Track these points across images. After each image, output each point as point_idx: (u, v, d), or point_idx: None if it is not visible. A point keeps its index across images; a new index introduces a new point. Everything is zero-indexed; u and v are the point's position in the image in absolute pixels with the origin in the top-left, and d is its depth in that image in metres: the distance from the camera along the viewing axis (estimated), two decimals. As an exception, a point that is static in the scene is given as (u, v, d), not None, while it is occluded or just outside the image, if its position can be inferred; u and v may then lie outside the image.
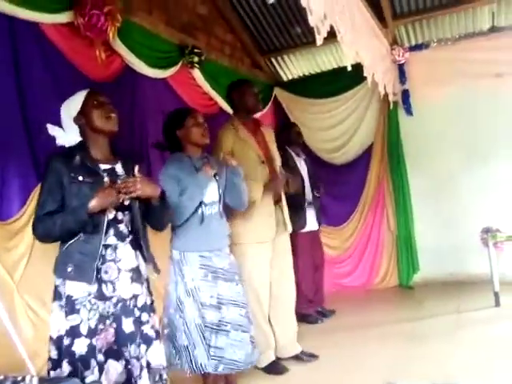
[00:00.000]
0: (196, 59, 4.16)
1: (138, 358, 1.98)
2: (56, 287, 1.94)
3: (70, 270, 1.89)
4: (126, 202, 1.99)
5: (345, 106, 5.67)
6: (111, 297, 1.95)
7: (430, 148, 5.29)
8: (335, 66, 5.83)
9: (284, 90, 5.97)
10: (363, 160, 5.61)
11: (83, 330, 1.87)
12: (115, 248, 1.97)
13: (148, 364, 2.01)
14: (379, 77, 4.01)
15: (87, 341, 1.86)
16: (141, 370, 1.98)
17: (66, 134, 2.03)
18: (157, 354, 2.06)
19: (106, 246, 1.94)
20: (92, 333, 1.87)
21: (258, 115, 3.51)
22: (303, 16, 2.46)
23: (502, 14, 5.01)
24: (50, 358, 1.90)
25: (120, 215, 1.99)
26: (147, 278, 2.12)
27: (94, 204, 1.84)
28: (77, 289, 1.89)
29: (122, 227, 2.00)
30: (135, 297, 2.02)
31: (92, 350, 1.86)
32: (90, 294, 1.90)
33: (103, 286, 1.93)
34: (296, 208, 4.01)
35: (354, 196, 5.61)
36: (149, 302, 2.09)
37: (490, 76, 4.93)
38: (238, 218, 3.00)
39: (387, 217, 5.51)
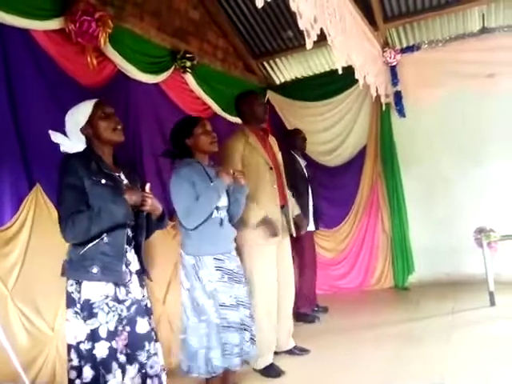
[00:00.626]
0: (188, 64, 4.17)
1: (157, 354, 2.05)
2: (69, 294, 1.93)
3: (95, 271, 1.90)
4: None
5: (337, 108, 5.69)
6: (124, 300, 1.99)
7: (423, 149, 5.32)
8: (327, 69, 5.84)
9: (277, 94, 5.98)
10: (357, 162, 5.63)
11: (102, 333, 1.88)
12: (125, 251, 2.01)
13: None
14: (371, 79, 4.03)
15: (107, 344, 1.88)
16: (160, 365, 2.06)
17: (71, 142, 2.06)
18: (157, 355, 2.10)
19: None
20: (111, 335, 1.89)
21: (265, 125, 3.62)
22: (294, 19, 2.46)
23: (492, 15, 5.05)
24: (72, 367, 1.90)
25: (128, 222, 2.03)
26: (145, 281, 2.18)
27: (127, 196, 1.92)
28: (94, 292, 1.90)
29: (129, 232, 2.05)
30: (143, 298, 2.09)
31: (113, 352, 1.88)
32: (107, 297, 1.92)
33: (117, 289, 1.97)
34: (302, 208, 4.11)
35: (348, 198, 5.62)
36: (149, 305, 2.14)
37: (481, 77, 4.96)
38: (248, 221, 3.08)
39: (381, 218, 5.53)
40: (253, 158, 3.16)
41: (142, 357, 1.99)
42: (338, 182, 5.59)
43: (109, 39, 3.27)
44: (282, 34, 5.45)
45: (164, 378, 2.11)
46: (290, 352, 3.44)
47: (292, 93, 5.92)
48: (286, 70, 6.06)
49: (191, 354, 2.49)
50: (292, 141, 4.68)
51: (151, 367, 2.02)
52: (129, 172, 2.15)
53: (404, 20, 5.20)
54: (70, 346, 1.91)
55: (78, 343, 1.88)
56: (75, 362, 1.89)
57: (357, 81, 3.67)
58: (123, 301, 1.98)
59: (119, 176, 2.08)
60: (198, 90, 4.46)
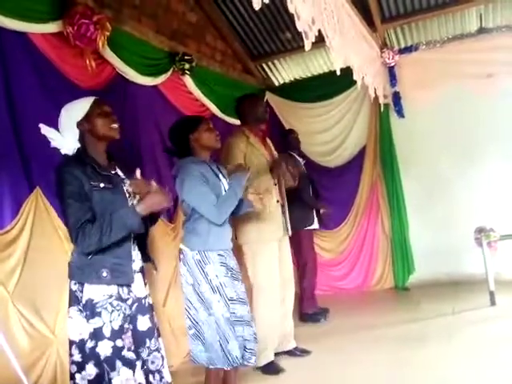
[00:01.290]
0: (187, 66, 4.17)
1: (158, 350, 2.07)
2: (73, 292, 1.94)
3: (105, 274, 1.91)
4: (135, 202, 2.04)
5: (336, 109, 5.70)
6: (127, 299, 2.00)
7: (423, 149, 5.32)
8: (326, 70, 5.85)
9: (275, 95, 5.99)
10: (356, 163, 5.64)
11: (106, 332, 1.89)
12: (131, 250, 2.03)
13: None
14: (369, 80, 4.03)
15: (111, 343, 1.89)
16: (162, 360, 2.09)
17: (63, 138, 2.04)
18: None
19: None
20: (116, 334, 1.90)
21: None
22: (292, 21, 2.46)
23: (490, 15, 5.06)
24: (73, 362, 1.91)
25: (138, 230, 2.04)
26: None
27: (142, 207, 1.92)
28: (97, 292, 1.91)
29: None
30: (146, 296, 2.11)
31: (117, 351, 1.89)
32: (111, 297, 1.93)
33: (119, 288, 1.98)
34: (303, 205, 4.17)
35: (348, 199, 5.63)
36: (151, 302, 2.16)
37: (479, 77, 4.97)
38: (248, 218, 3.12)
39: (381, 219, 5.54)
40: (255, 158, 3.22)
41: (144, 353, 2.03)
42: (337, 183, 5.59)
43: (107, 42, 3.27)
44: (280, 35, 5.45)
45: (166, 372, 2.12)
46: (291, 353, 3.45)
47: (291, 94, 5.93)
48: (285, 71, 6.07)
49: (208, 345, 2.51)
50: (286, 142, 4.69)
51: (152, 362, 2.05)
52: (121, 166, 2.14)
53: (402, 21, 5.21)
54: (72, 342, 1.92)
55: (81, 340, 1.89)
56: (77, 358, 1.90)
57: (355, 82, 3.67)
58: (126, 299, 2.00)
59: (116, 173, 2.07)
60: (197, 92, 4.46)
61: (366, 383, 2.88)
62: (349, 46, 3.41)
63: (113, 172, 2.06)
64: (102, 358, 1.87)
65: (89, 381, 1.87)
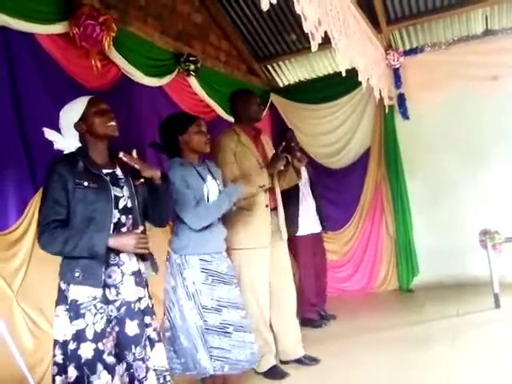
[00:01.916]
0: (192, 67, 4.18)
1: (143, 360, 2.00)
2: (62, 291, 1.93)
3: (77, 274, 1.89)
4: (129, 205, 2.02)
5: (341, 110, 5.69)
6: (114, 300, 1.96)
7: (427, 151, 5.30)
8: (331, 72, 5.85)
9: (280, 96, 5.99)
10: (361, 164, 5.62)
11: (89, 334, 1.87)
12: (118, 252, 1.98)
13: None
14: (374, 81, 4.03)
15: (93, 345, 1.86)
16: (147, 371, 2.00)
17: (65, 139, 2.04)
18: (160, 356, 2.07)
19: (110, 250, 1.94)
20: (98, 337, 1.87)
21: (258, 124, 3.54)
22: (298, 22, 2.48)
23: (496, 17, 5.05)
24: (55, 363, 1.89)
25: (123, 218, 2.01)
26: (147, 281, 2.15)
27: (113, 242, 1.88)
28: (81, 293, 1.89)
29: (125, 230, 2.02)
30: (139, 299, 2.04)
31: (98, 353, 1.86)
32: (95, 299, 1.90)
33: (106, 290, 1.95)
34: (290, 212, 3.98)
35: (353, 200, 5.61)
36: (150, 305, 2.11)
37: (485, 79, 4.96)
38: (237, 224, 3.02)
39: (386, 220, 5.52)
40: (245, 158, 3.09)
41: (129, 357, 1.97)
42: (342, 185, 5.58)
43: (113, 43, 3.29)
44: (285, 36, 5.46)
45: (168, 377, 2.08)
46: (300, 361, 3.30)
47: (295, 95, 5.92)
48: (290, 72, 6.07)
49: (181, 352, 2.45)
50: (281, 140, 4.57)
51: (136, 370, 1.99)
52: (124, 164, 2.10)
53: (407, 22, 5.21)
54: (55, 342, 1.90)
55: (64, 341, 1.87)
56: (58, 359, 1.88)
57: (360, 83, 3.66)
58: (113, 301, 1.96)
59: (113, 172, 2.04)
60: (202, 93, 4.47)
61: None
62: (354, 47, 3.41)
63: (110, 171, 2.03)
64: (82, 360, 1.84)
65: (69, 383, 1.85)
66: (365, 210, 5.59)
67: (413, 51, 5.37)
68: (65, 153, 2.03)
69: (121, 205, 2.00)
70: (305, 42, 5.34)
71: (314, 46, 2.55)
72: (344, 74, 3.06)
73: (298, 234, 4.25)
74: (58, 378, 1.87)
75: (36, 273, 2.70)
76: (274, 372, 3.10)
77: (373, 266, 5.53)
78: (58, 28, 3.01)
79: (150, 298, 2.13)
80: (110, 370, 1.87)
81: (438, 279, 5.14)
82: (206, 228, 2.50)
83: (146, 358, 2.00)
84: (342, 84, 5.23)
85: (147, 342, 2.02)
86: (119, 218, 1.99)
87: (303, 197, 4.42)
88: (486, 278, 4.23)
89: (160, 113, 3.96)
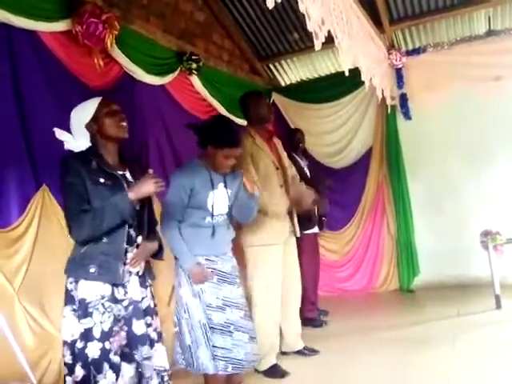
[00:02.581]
0: (194, 66, 4.18)
1: (149, 359, 2.04)
2: (69, 291, 1.94)
3: (92, 270, 1.91)
4: (137, 207, 2.04)
5: (343, 110, 5.69)
6: (122, 300, 1.99)
7: (429, 152, 5.30)
8: (333, 71, 5.85)
9: (282, 96, 5.98)
10: (362, 164, 5.62)
11: (96, 333, 1.89)
12: (126, 251, 2.01)
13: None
14: (377, 81, 4.03)
15: (100, 345, 1.88)
16: (152, 371, 2.04)
17: (75, 140, 2.06)
18: (159, 356, 2.09)
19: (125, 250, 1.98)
20: (105, 336, 1.90)
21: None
22: (300, 22, 2.47)
23: (499, 17, 5.04)
24: (65, 363, 1.92)
25: (130, 220, 2.03)
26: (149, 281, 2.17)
27: (132, 193, 1.92)
28: (91, 291, 1.91)
29: (132, 232, 2.05)
30: (142, 299, 2.07)
31: (105, 353, 1.88)
32: (103, 297, 1.92)
33: (115, 289, 1.97)
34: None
35: (354, 200, 5.61)
36: (152, 305, 2.13)
37: (487, 79, 4.95)
38: (252, 222, 3.02)
39: (387, 220, 5.52)
40: (260, 159, 3.15)
41: (138, 357, 2.01)
42: (343, 184, 5.55)
43: (115, 41, 3.29)
44: (288, 36, 5.46)
45: (166, 378, 2.10)
46: (300, 352, 3.44)
47: (297, 95, 5.92)
48: (292, 71, 6.07)
49: (182, 348, 2.48)
50: (291, 142, 4.54)
51: (144, 369, 2.02)
52: (134, 168, 2.14)
53: (410, 22, 5.21)
54: (64, 343, 1.92)
55: (73, 341, 1.89)
56: (68, 359, 1.90)
57: (362, 83, 3.66)
58: (121, 300, 1.99)
59: (123, 174, 2.07)
60: (204, 92, 4.47)
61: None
62: (357, 47, 3.41)
63: (120, 173, 2.05)
64: (89, 359, 1.86)
65: (75, 382, 1.86)
66: (366, 209, 5.59)
67: (415, 51, 5.37)
68: (74, 151, 2.05)
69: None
70: (307, 42, 5.34)
71: (318, 45, 2.55)
72: (347, 74, 3.06)
73: (305, 232, 4.25)
74: (68, 379, 1.90)
75: (37, 270, 2.70)
76: (274, 371, 3.11)
77: (374, 266, 5.53)
78: (60, 26, 3.01)
79: (152, 298, 2.15)
80: (115, 369, 1.90)
81: (439, 280, 5.14)
82: (207, 234, 2.50)
83: (151, 357, 2.04)
84: (344, 84, 5.24)
85: (148, 342, 2.05)
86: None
87: None
88: (487, 278, 4.23)
89: (162, 111, 3.97)
